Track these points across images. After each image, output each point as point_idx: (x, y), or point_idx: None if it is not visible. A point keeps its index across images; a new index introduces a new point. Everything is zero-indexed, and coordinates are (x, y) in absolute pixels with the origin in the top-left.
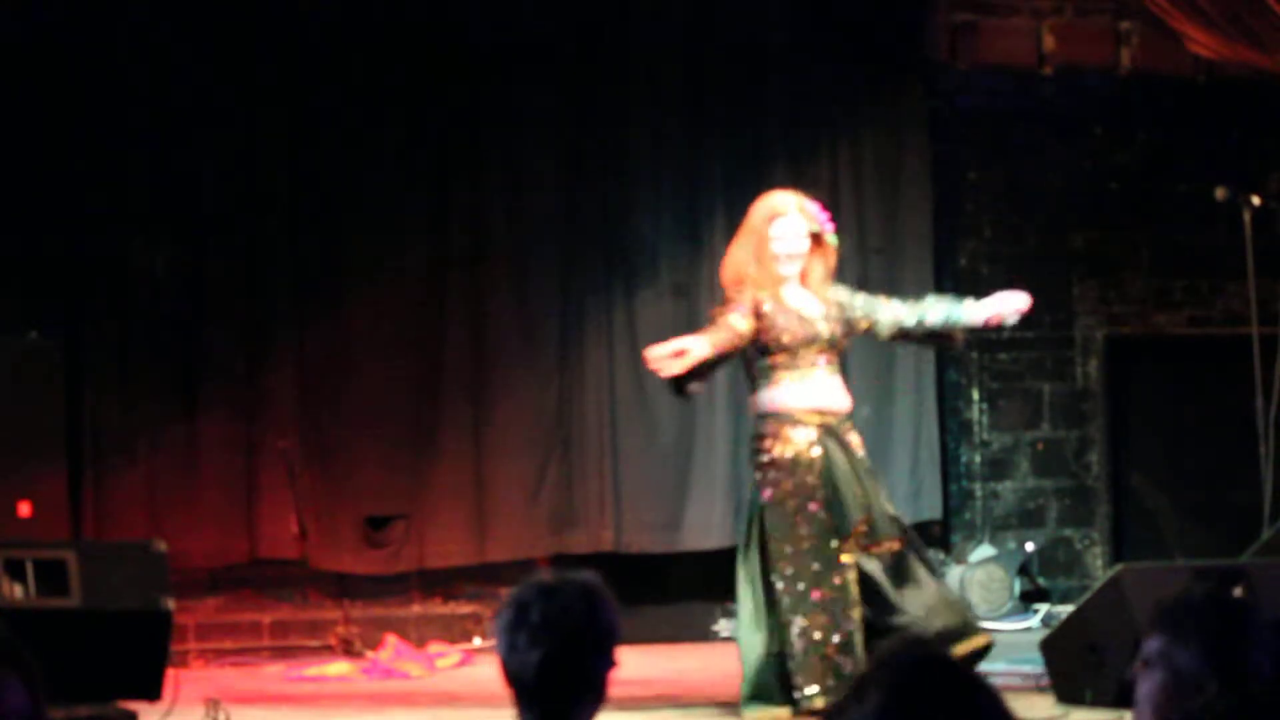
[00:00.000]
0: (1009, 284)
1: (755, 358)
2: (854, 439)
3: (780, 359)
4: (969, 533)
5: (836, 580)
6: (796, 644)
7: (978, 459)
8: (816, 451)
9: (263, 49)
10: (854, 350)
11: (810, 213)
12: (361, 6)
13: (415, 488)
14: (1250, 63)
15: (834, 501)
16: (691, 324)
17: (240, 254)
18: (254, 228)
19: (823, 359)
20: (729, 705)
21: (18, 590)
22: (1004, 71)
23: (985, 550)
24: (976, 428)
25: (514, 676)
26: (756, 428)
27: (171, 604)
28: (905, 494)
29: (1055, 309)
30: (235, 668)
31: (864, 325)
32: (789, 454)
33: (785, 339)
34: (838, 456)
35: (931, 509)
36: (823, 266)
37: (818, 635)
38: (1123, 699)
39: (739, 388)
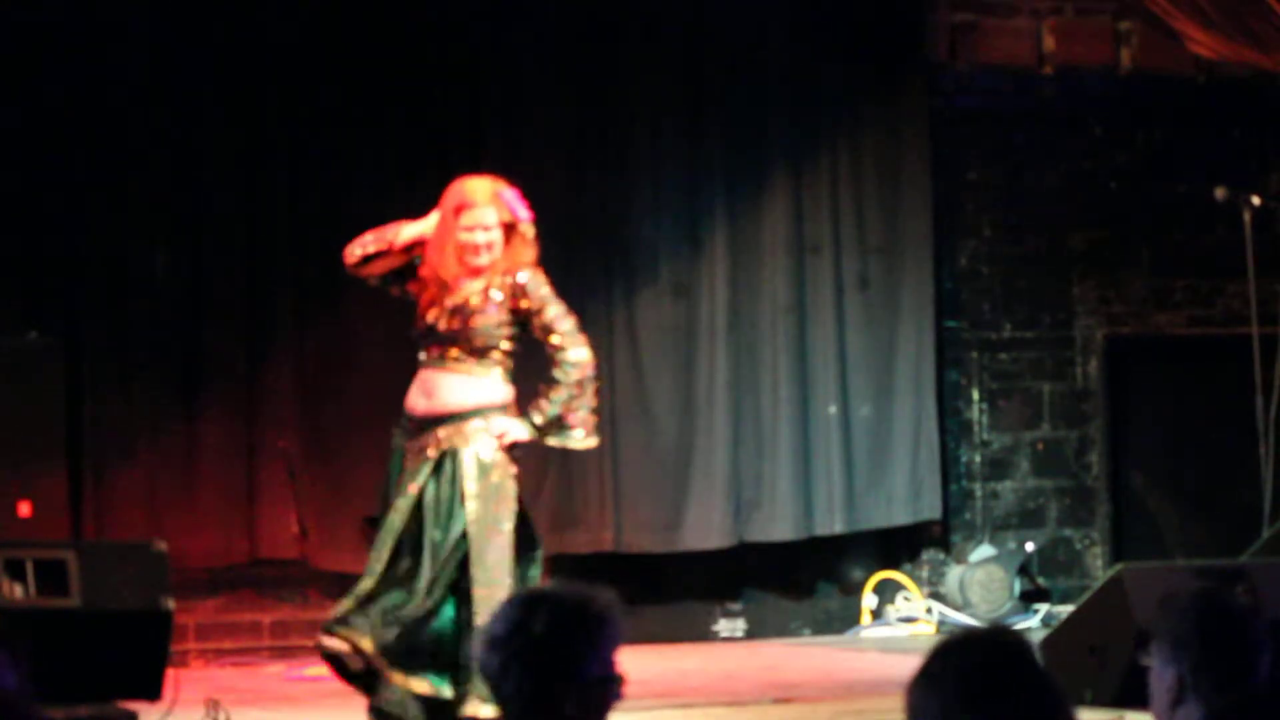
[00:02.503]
0: (1009, 284)
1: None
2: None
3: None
4: (969, 533)
5: None
6: None
7: (978, 459)
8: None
9: (263, 49)
10: (854, 349)
11: (504, 201)
12: (362, 7)
13: None
14: (1250, 63)
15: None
16: (691, 324)
17: (240, 254)
18: (254, 228)
19: (454, 354)
20: (729, 705)
21: (18, 590)
22: (1004, 71)
23: (985, 550)
24: (976, 428)
25: None
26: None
27: (171, 604)
28: (905, 494)
29: (1055, 309)
30: (235, 668)
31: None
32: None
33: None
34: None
35: (931, 509)
36: (516, 257)
37: None
38: (1123, 699)
39: (739, 388)
